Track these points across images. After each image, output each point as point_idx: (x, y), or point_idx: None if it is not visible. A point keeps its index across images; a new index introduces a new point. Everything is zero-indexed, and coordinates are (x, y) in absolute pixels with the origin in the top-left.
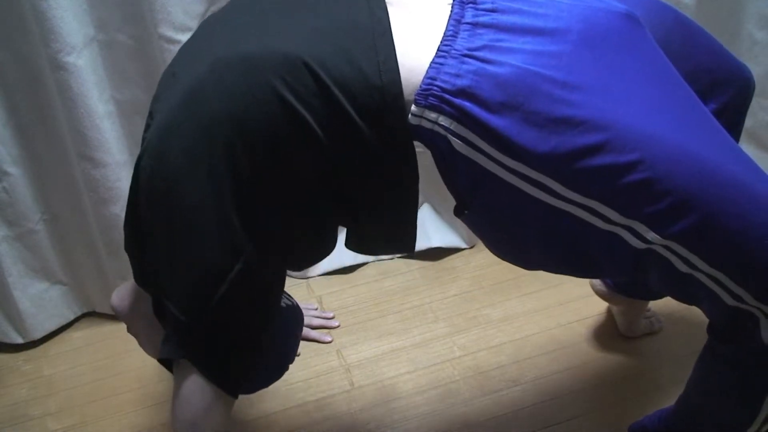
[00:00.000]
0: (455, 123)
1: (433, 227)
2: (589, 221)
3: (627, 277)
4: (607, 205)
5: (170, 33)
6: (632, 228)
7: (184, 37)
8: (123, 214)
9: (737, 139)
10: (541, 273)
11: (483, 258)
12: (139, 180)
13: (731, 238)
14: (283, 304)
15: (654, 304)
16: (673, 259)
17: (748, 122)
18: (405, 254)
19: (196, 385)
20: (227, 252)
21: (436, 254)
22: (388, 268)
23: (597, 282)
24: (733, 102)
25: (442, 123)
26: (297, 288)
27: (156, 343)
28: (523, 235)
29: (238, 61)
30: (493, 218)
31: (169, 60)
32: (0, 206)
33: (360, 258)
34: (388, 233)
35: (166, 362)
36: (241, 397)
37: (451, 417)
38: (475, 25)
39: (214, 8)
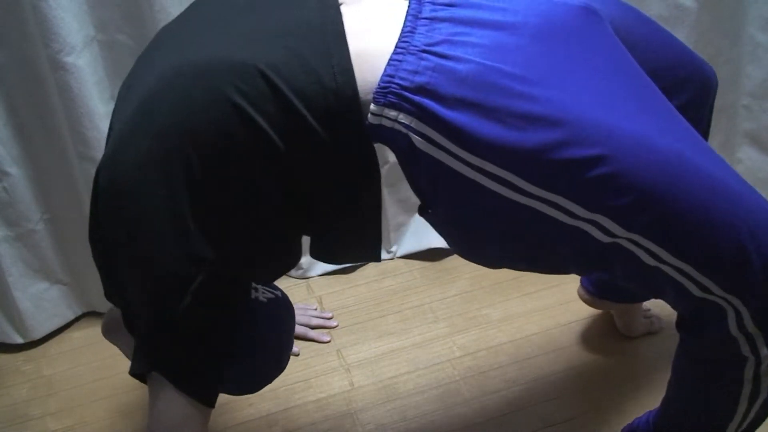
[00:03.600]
0: (416, 120)
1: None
2: (553, 216)
3: (594, 272)
4: (570, 199)
5: None
6: (597, 222)
7: None
8: None
9: (706, 138)
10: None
11: None
12: (98, 193)
13: (696, 229)
14: (264, 299)
15: (654, 304)
16: (639, 252)
17: (751, 125)
18: (371, 261)
19: (170, 397)
20: (187, 262)
21: (436, 254)
22: (388, 268)
23: (581, 290)
24: (694, 99)
25: (402, 121)
26: (297, 288)
27: None
28: (487, 232)
29: (189, 69)
30: (457, 216)
31: None
32: (0, 206)
33: None
34: (352, 239)
35: (140, 375)
36: (241, 397)
37: (451, 417)
38: (432, 19)
39: None
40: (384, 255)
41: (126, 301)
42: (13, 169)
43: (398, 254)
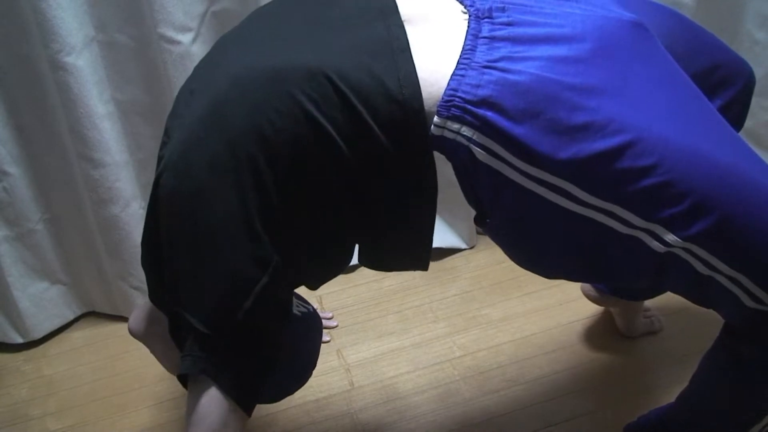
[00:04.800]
0: (477, 133)
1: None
2: (610, 226)
3: (646, 281)
4: (627, 209)
5: (170, 33)
6: (652, 231)
7: (184, 38)
8: (123, 214)
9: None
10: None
11: (483, 258)
12: (159, 196)
13: (750, 239)
14: (298, 312)
15: (654, 304)
16: (693, 261)
17: (748, 122)
18: (419, 270)
19: (213, 401)
20: (254, 264)
21: (436, 254)
22: None
23: (588, 286)
24: (738, 97)
25: (465, 133)
26: (297, 288)
27: (173, 360)
28: (544, 242)
29: (259, 75)
30: (514, 226)
31: (169, 60)
32: (0, 206)
33: None
34: (405, 247)
35: (182, 377)
36: None
37: (451, 417)
38: (492, 39)
39: (214, 8)
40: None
41: (180, 302)
42: (13, 169)
43: None
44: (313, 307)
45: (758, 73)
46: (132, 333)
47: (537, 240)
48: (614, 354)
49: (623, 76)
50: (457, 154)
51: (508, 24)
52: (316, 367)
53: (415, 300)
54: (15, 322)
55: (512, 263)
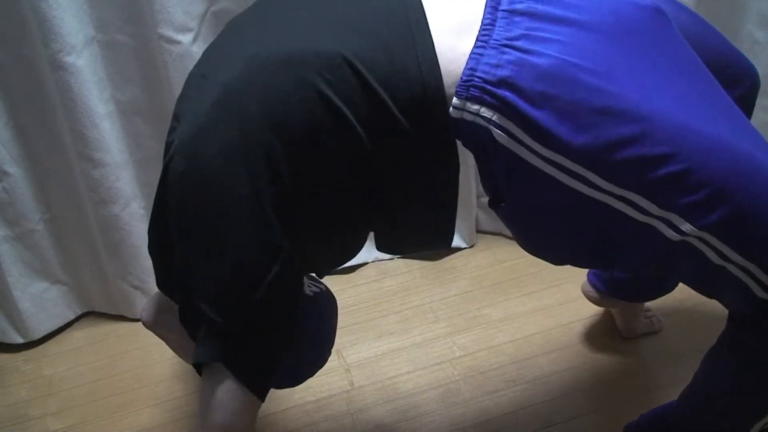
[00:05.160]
0: (497, 114)
1: None
2: (626, 213)
3: (656, 270)
4: (644, 196)
5: (170, 33)
6: (668, 220)
7: (184, 38)
8: (123, 214)
9: None
10: (541, 273)
11: (483, 258)
12: (168, 181)
13: (764, 229)
14: (310, 292)
15: (654, 304)
16: (707, 250)
17: None
18: (442, 249)
19: (228, 389)
20: (266, 252)
21: (436, 254)
22: (388, 268)
23: (588, 287)
24: (744, 97)
25: (484, 114)
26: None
27: (186, 348)
28: (557, 227)
29: (273, 59)
30: (529, 210)
31: (169, 60)
32: (0, 206)
33: (360, 258)
34: (429, 229)
35: (197, 366)
36: None
37: (451, 417)
38: (512, 12)
39: (214, 8)
40: (384, 255)
41: (192, 289)
42: (13, 169)
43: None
44: (325, 286)
45: (759, 73)
46: (144, 324)
47: (550, 224)
48: (614, 354)
49: (642, 62)
50: (477, 135)
51: None
52: None
53: (415, 300)
54: (15, 322)
55: (512, 263)
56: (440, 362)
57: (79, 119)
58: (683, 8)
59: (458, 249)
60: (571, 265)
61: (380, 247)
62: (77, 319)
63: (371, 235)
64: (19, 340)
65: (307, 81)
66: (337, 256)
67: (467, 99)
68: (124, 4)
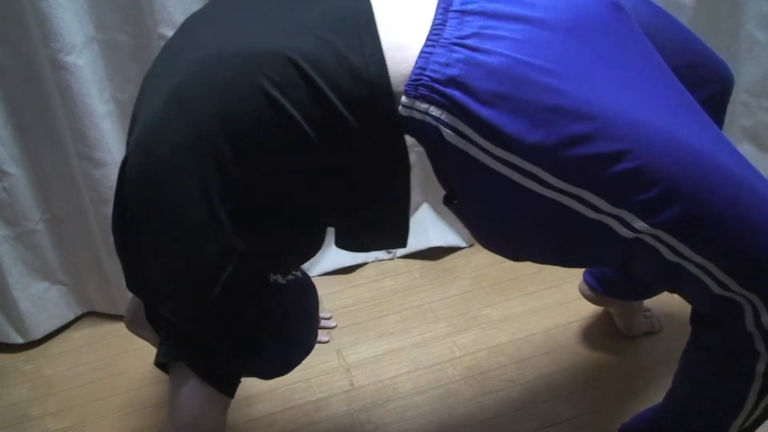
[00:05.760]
0: (446, 113)
1: (433, 227)
2: (578, 210)
3: (614, 266)
4: (596, 194)
5: (170, 33)
6: (621, 217)
7: None
8: None
9: None
10: (541, 273)
11: (483, 258)
12: (125, 182)
13: (719, 227)
14: (284, 281)
15: (654, 304)
16: (661, 248)
17: (748, 122)
18: (398, 248)
19: (193, 388)
20: (219, 252)
21: (436, 254)
22: (388, 268)
23: (584, 286)
24: (713, 98)
25: (433, 113)
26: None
27: None
28: (512, 224)
29: (223, 58)
30: (482, 208)
31: None
32: (0, 206)
33: (360, 258)
34: (382, 228)
35: (163, 365)
36: (241, 397)
37: (451, 417)
38: (463, 12)
39: None
40: (384, 255)
41: (152, 291)
42: (13, 169)
43: (398, 254)
44: (301, 272)
45: (758, 73)
46: (126, 325)
47: (503, 222)
48: (614, 354)
49: (596, 58)
50: (426, 134)
51: None
52: (316, 367)
53: (415, 300)
54: (15, 322)
55: (512, 263)
56: (440, 362)
57: (79, 119)
58: (652, 5)
59: (458, 249)
60: (529, 260)
61: (338, 244)
62: (77, 319)
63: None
64: (19, 340)
65: (253, 81)
66: (299, 254)
67: (416, 98)
68: (124, 3)
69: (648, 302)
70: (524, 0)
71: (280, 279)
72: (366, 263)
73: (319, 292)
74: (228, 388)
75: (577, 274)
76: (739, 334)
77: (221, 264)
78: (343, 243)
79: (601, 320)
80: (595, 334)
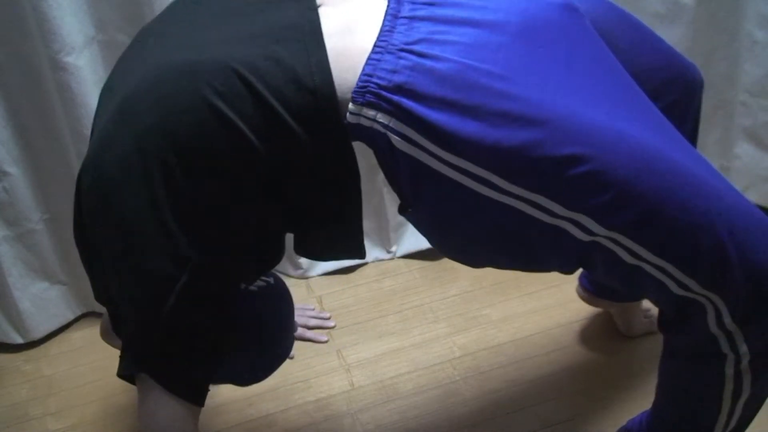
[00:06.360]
0: (394, 120)
1: None
2: (533, 215)
3: (573, 270)
4: (550, 198)
5: None
6: (576, 221)
7: None
8: None
9: (695, 138)
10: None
11: None
12: (81, 194)
13: (676, 227)
14: (255, 287)
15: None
16: (619, 250)
17: (748, 122)
18: (357, 259)
19: (159, 397)
20: (170, 262)
21: (436, 254)
22: (388, 268)
23: (579, 288)
24: (679, 101)
25: (381, 120)
26: (297, 288)
27: None
28: (468, 231)
29: (168, 70)
30: (437, 215)
31: None
32: (0, 206)
33: None
34: (335, 237)
35: (129, 376)
36: (241, 397)
37: (451, 417)
38: (411, 18)
39: None
40: (384, 255)
41: (112, 302)
42: (13, 169)
43: (398, 254)
44: (273, 277)
45: (758, 73)
46: (101, 335)
47: (459, 229)
48: (614, 354)
49: (548, 62)
50: (375, 141)
51: (430, 3)
52: (316, 367)
53: (415, 300)
54: (15, 322)
55: None
56: (440, 362)
57: (79, 119)
58: (613, 8)
59: None
60: (491, 267)
61: (297, 251)
62: (77, 319)
63: None
64: (19, 340)
65: (197, 92)
66: (259, 263)
67: (363, 105)
68: (124, 4)
69: (648, 302)
70: (475, 4)
71: (250, 286)
72: (366, 263)
73: (319, 292)
74: (194, 396)
75: (577, 275)
76: (704, 336)
77: (173, 275)
78: (300, 250)
79: (601, 320)
80: (595, 334)
